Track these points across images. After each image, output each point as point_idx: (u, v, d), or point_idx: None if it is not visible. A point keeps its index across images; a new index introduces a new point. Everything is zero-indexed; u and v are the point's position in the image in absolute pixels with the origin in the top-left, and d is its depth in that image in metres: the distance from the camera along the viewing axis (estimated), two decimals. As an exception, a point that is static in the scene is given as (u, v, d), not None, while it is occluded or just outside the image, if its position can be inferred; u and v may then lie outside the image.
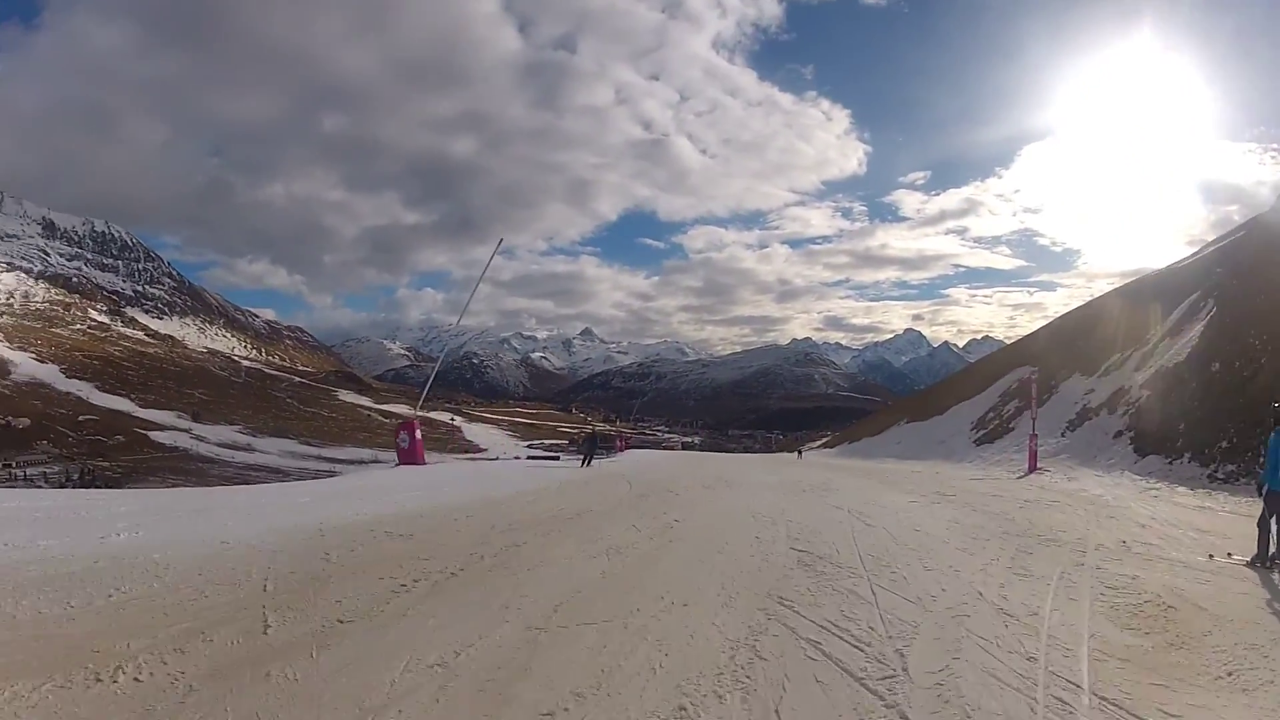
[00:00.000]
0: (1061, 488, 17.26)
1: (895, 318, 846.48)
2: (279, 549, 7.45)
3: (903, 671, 4.87)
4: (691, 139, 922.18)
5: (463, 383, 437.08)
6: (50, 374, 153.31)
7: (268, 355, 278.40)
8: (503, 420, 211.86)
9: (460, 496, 13.20)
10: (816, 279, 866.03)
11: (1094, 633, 5.74)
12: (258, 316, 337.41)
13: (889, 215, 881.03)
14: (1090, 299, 48.89)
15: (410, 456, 25.45)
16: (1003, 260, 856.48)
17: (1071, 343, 36.70)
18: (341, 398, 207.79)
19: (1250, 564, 8.26)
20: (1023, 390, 30.42)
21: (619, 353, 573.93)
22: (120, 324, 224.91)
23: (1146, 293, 35.84)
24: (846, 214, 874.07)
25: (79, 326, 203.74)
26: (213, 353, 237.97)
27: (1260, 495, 8.48)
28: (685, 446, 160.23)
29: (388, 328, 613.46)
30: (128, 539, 7.60)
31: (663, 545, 8.84)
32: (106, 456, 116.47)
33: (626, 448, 69.53)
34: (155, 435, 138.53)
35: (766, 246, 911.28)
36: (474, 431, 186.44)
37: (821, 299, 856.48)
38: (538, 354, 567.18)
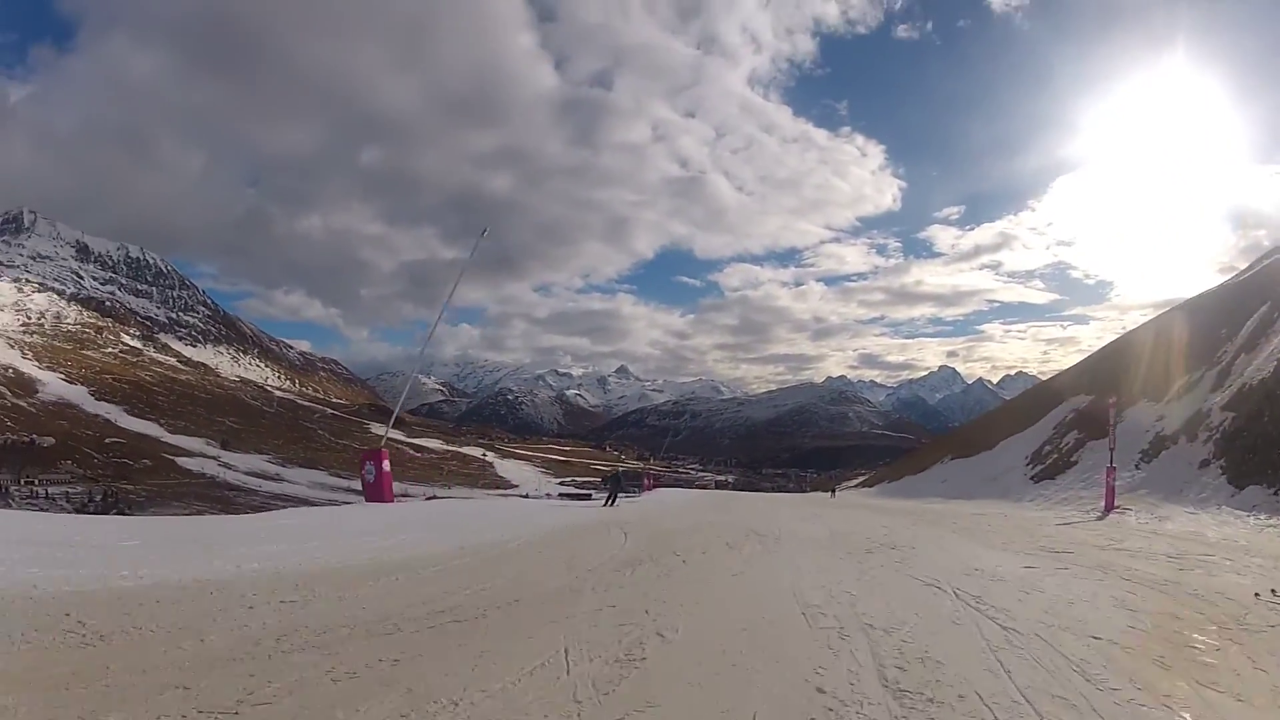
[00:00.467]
0: (1171, 531, 14.34)
1: (930, 355, 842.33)
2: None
3: None
4: (728, 176, 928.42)
5: (497, 419, 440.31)
6: (79, 395, 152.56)
7: (301, 386, 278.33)
8: (535, 457, 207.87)
9: (377, 549, 9.63)
10: (851, 316, 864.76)
11: None
12: (292, 348, 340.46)
13: (924, 251, 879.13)
14: (1138, 325, 46.01)
15: (376, 493, 21.52)
16: (1036, 294, 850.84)
17: (1128, 368, 34.24)
18: (374, 430, 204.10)
19: None
20: (1082, 421, 29.83)
21: (654, 390, 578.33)
22: (153, 349, 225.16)
23: (1203, 311, 34.35)
24: (881, 250, 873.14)
25: (111, 350, 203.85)
26: (245, 381, 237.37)
27: None
28: (718, 485, 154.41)
29: (423, 362, 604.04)
30: None
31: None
32: (131, 480, 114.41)
33: (655, 486, 66.00)
34: (182, 461, 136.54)
35: (802, 284, 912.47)
36: (506, 468, 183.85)
37: (856, 336, 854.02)
38: (573, 391, 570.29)
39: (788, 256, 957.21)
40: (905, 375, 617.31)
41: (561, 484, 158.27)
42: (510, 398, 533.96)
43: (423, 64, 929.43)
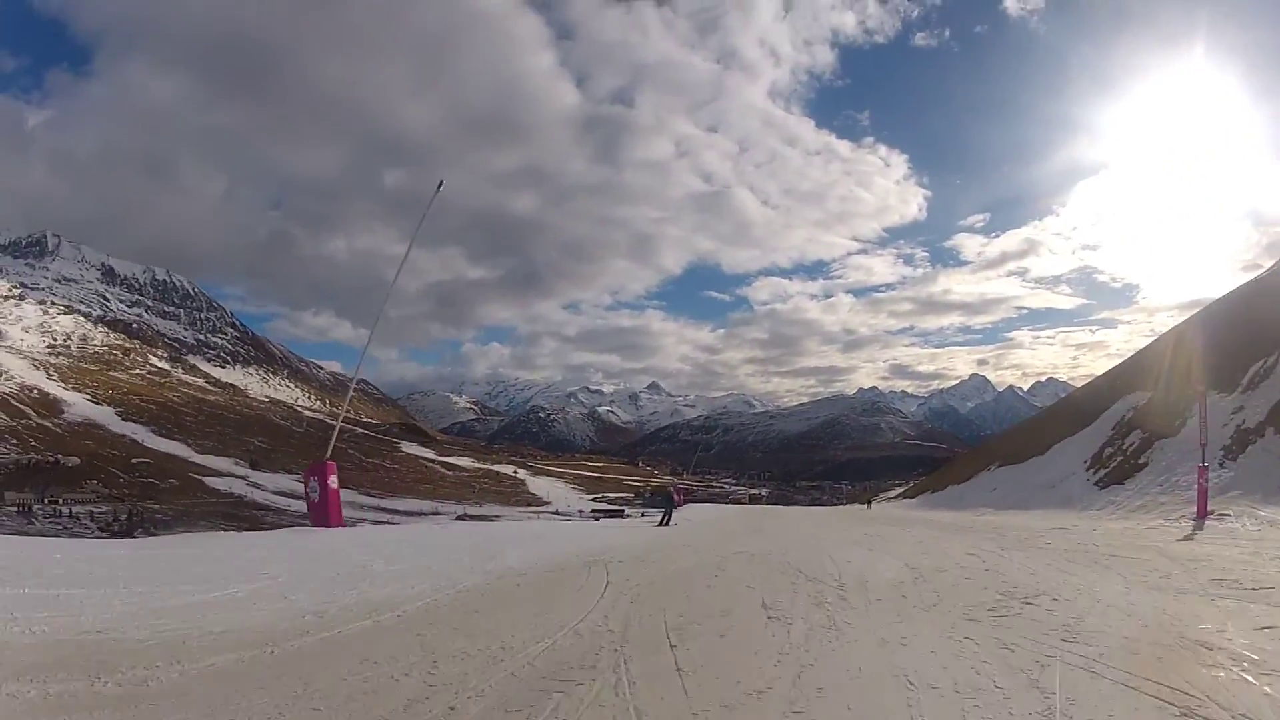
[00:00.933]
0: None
1: (960, 363, 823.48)
2: None
3: None
4: (752, 190, 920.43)
5: (529, 436, 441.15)
6: (105, 415, 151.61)
7: (332, 406, 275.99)
8: (567, 473, 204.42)
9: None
10: (881, 327, 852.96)
11: None
12: (322, 368, 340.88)
13: (950, 260, 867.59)
14: (1190, 315, 43.68)
15: (321, 514, 18.17)
16: (1064, 300, 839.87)
17: (1188, 359, 32.00)
18: (404, 449, 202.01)
19: None
20: (1144, 419, 29.14)
21: (686, 406, 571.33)
22: (181, 370, 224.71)
23: (1266, 294, 33.42)
24: (909, 260, 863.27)
25: (138, 371, 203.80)
26: (274, 402, 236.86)
27: None
28: (751, 499, 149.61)
29: (453, 381, 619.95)
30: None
31: None
32: (158, 499, 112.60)
33: (685, 502, 62.83)
34: (210, 481, 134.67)
35: (831, 296, 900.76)
36: (538, 485, 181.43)
37: (886, 347, 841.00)
38: (604, 408, 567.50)
39: (815, 269, 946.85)
40: (936, 385, 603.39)
41: (594, 500, 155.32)
42: (542, 415, 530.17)
43: (443, 85, 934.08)
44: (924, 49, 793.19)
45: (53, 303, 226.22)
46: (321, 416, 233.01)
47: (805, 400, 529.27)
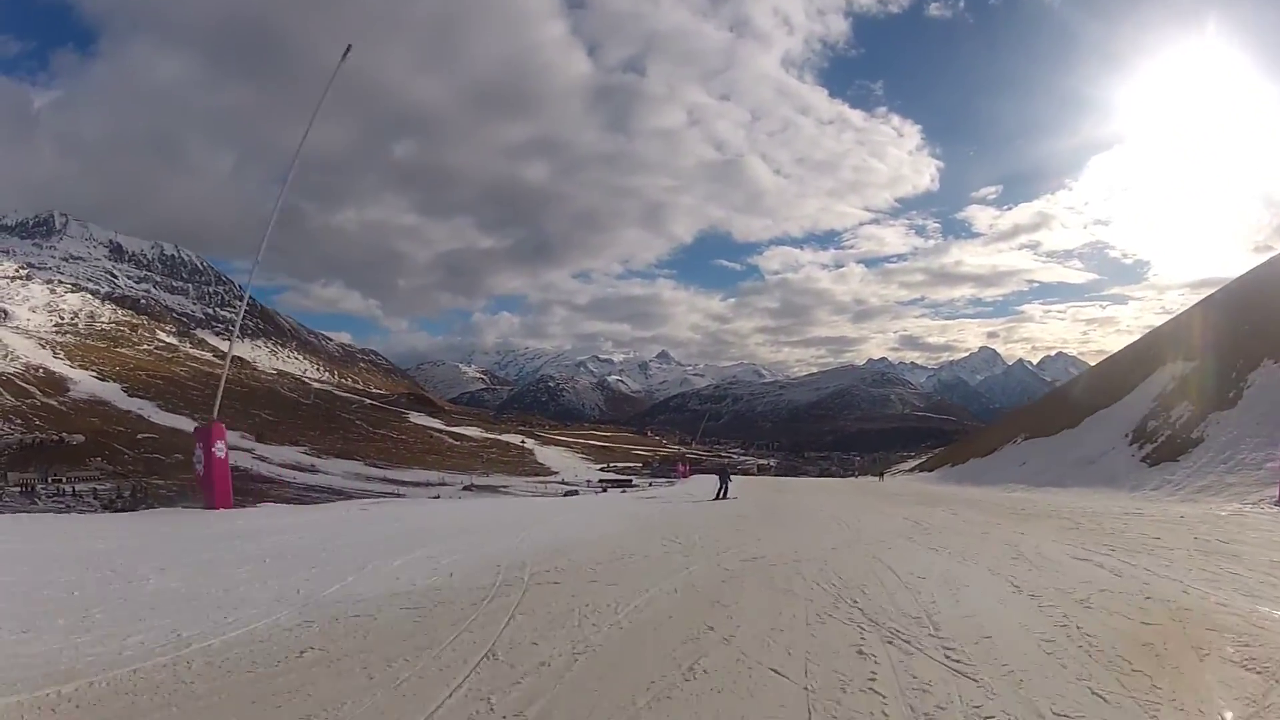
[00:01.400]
0: None
1: (970, 336, 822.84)
2: None
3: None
4: (765, 159, 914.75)
5: (538, 406, 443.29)
6: (111, 392, 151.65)
7: (340, 378, 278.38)
8: (576, 443, 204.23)
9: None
10: (892, 298, 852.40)
11: None
12: (331, 340, 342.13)
13: (962, 231, 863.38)
14: (1228, 284, 41.08)
15: (208, 490, 16.17)
16: (1075, 274, 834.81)
17: (1234, 326, 30.77)
18: (412, 420, 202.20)
19: None
20: (1191, 390, 27.66)
21: (695, 375, 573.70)
22: (188, 345, 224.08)
23: None
24: (920, 231, 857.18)
25: (145, 347, 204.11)
26: (282, 374, 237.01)
27: None
28: (760, 470, 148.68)
29: (463, 351, 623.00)
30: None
31: None
32: (162, 474, 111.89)
33: (691, 473, 62.47)
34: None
35: (842, 266, 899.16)
36: (546, 454, 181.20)
37: (897, 318, 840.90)
38: (614, 377, 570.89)
39: (827, 239, 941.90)
40: (946, 357, 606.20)
41: (602, 469, 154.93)
42: (551, 384, 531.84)
43: (453, 57, 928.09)
44: (938, 19, 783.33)
45: (60, 281, 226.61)
46: (329, 388, 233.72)
47: (815, 370, 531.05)
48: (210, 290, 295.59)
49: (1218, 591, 6.57)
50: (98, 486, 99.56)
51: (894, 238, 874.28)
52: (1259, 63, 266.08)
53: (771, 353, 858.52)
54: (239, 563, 8.29)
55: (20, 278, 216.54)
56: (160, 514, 15.64)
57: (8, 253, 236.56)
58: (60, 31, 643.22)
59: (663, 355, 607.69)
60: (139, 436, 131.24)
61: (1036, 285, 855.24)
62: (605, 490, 71.46)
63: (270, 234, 20.33)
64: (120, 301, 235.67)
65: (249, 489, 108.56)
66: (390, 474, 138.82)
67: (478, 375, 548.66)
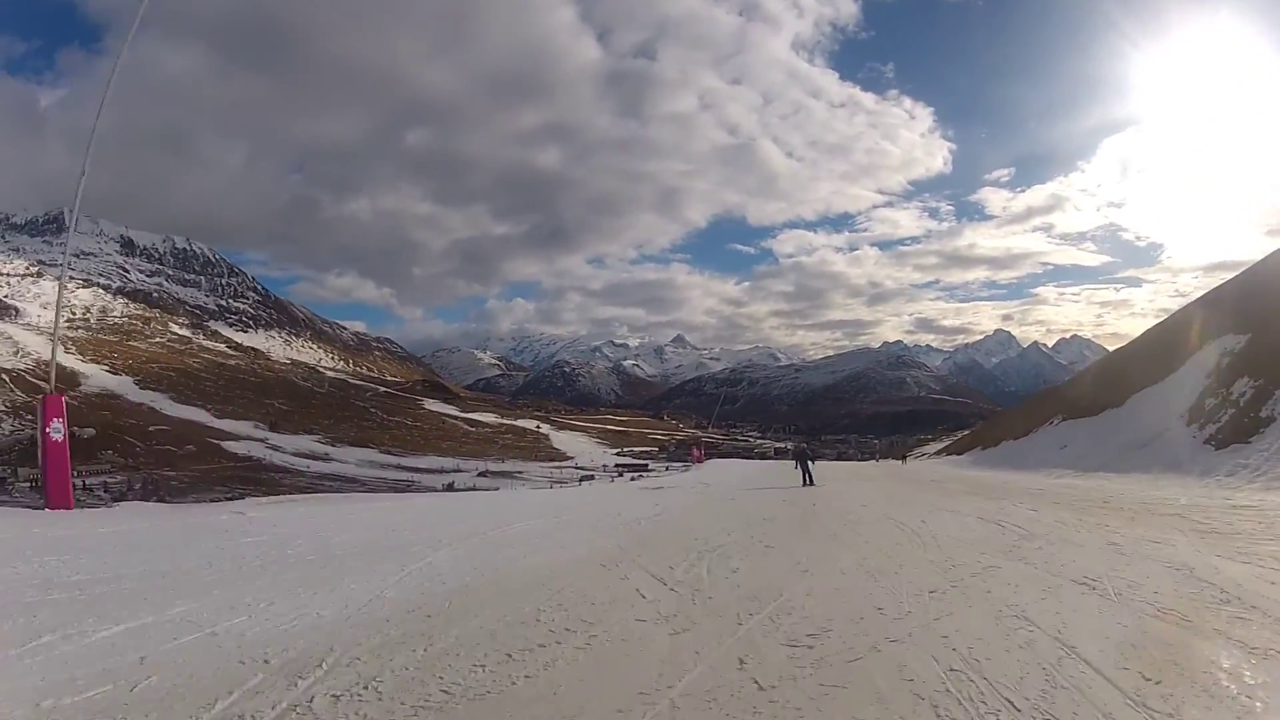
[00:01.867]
0: None
1: (985, 318, 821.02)
2: None
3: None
4: (777, 142, 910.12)
5: (554, 391, 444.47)
6: (123, 385, 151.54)
7: (355, 366, 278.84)
8: (592, 428, 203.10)
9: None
10: (906, 281, 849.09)
11: None
12: (345, 329, 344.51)
13: (976, 214, 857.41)
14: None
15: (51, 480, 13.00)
16: (1089, 257, 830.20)
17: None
18: (428, 407, 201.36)
19: None
20: (1250, 365, 25.58)
21: (711, 359, 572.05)
22: (202, 337, 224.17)
23: None
24: (934, 214, 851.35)
25: (158, 340, 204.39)
26: (296, 364, 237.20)
27: None
28: (777, 454, 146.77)
29: (478, 338, 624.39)
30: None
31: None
32: (175, 466, 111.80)
33: (705, 458, 61.03)
34: (229, 445, 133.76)
35: (856, 249, 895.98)
36: (561, 439, 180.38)
37: (912, 301, 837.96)
38: (629, 362, 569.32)
39: (841, 222, 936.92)
40: (961, 339, 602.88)
41: (619, 454, 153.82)
42: (567, 370, 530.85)
43: (465, 45, 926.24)
44: (949, 1, 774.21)
45: (71, 277, 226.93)
46: (344, 376, 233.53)
47: (830, 353, 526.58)
48: (223, 282, 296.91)
49: None
50: (108, 480, 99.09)
51: (907, 220, 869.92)
52: (1273, 43, 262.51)
53: (786, 336, 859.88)
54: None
55: (31, 275, 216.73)
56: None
57: (18, 251, 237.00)
58: (66, 29, 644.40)
59: (678, 339, 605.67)
60: (151, 429, 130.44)
61: (1050, 268, 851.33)
62: (621, 475, 69.89)
63: (87, 166, 16.25)
64: (132, 296, 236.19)
65: (261, 479, 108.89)
66: (405, 461, 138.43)
67: (493, 362, 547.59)
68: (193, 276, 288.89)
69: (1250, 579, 6.33)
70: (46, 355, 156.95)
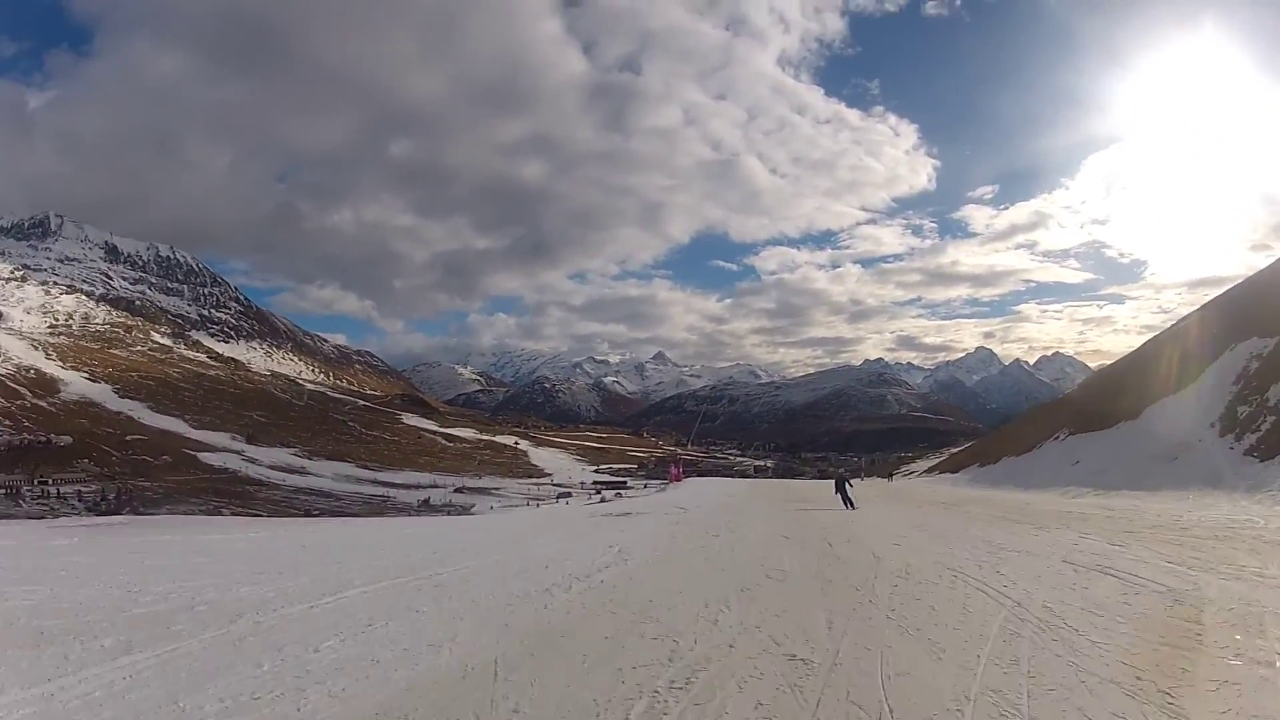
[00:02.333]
0: None
1: (967, 336, 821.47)
2: None
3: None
4: (761, 158, 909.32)
5: (534, 407, 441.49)
6: (102, 393, 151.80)
7: (335, 379, 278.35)
8: (571, 444, 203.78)
9: None
10: (888, 298, 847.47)
11: None
12: (327, 341, 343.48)
13: (959, 231, 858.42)
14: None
15: None
16: (1071, 274, 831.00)
17: None
18: (406, 421, 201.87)
19: None
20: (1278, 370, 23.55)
21: (691, 376, 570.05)
22: (183, 346, 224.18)
23: None
24: (917, 231, 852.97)
25: (139, 348, 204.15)
26: (276, 375, 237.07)
27: None
28: (757, 471, 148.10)
29: (459, 352, 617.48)
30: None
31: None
32: (150, 476, 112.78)
33: (684, 476, 61.21)
34: (205, 456, 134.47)
35: (839, 266, 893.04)
36: (540, 456, 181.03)
37: (894, 319, 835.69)
38: (610, 378, 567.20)
39: (823, 239, 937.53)
40: (942, 357, 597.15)
41: (596, 471, 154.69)
42: (547, 386, 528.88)
43: (450, 55, 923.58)
44: (935, 18, 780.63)
45: (55, 283, 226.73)
46: (323, 389, 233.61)
47: (811, 371, 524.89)
48: (205, 291, 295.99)
49: None
50: (82, 489, 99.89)
51: (890, 238, 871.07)
52: (1256, 61, 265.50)
53: (768, 353, 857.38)
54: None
55: (15, 280, 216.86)
56: None
57: (3, 255, 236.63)
58: (54, 30, 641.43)
59: (659, 356, 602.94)
60: (128, 438, 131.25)
61: (1033, 285, 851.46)
62: (599, 493, 70.15)
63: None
64: (115, 303, 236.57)
65: (235, 491, 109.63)
66: (381, 476, 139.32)
67: (474, 377, 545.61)
68: (176, 285, 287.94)
69: None
70: (27, 360, 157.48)
